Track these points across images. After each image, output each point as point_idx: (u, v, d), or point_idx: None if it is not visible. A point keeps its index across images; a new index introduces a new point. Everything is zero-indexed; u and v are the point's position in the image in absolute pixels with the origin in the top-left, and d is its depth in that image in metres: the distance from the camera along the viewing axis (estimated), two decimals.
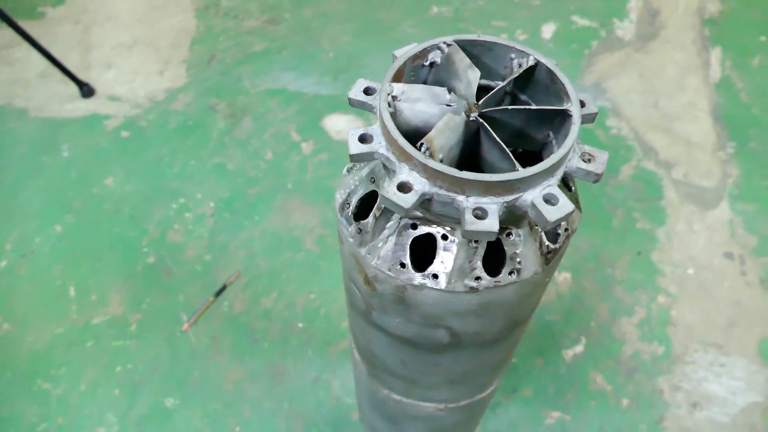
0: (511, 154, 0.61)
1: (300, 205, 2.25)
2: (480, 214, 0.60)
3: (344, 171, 0.79)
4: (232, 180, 2.31)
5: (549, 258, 0.72)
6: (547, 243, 0.71)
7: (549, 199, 0.60)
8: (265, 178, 2.32)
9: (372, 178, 0.72)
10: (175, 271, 2.08)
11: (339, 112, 2.52)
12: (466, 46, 0.71)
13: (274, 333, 1.96)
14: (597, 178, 0.64)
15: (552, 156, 0.60)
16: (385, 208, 0.68)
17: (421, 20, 2.90)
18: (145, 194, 2.28)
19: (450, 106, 0.66)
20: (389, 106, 0.65)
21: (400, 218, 0.68)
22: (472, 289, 0.69)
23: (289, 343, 1.94)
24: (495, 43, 0.70)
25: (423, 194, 0.60)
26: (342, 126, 2.47)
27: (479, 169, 0.68)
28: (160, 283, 2.06)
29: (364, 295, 0.79)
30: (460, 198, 0.60)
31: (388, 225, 0.69)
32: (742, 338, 1.96)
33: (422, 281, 0.69)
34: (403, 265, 0.70)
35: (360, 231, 0.72)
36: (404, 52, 0.71)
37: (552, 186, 0.61)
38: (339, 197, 0.76)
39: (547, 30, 2.84)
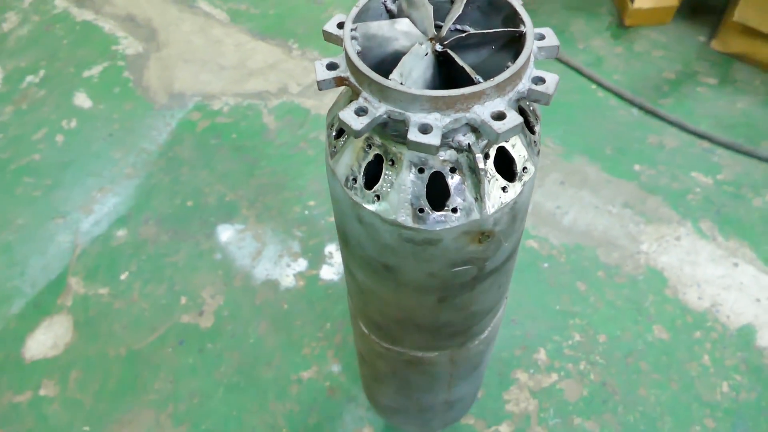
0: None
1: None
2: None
3: (403, 181, 0.74)
4: None
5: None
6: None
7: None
8: None
9: (419, 162, 0.71)
10: None
11: (29, 334, 2.00)
12: None
13: None
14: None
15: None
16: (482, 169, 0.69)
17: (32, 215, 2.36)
18: None
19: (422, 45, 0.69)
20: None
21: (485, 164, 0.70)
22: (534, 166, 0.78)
23: None
24: None
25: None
26: (50, 338, 1.98)
27: None
28: None
29: (478, 256, 0.79)
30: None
31: (486, 178, 0.70)
32: None
33: (521, 182, 0.75)
34: (505, 189, 0.73)
35: (457, 210, 0.72)
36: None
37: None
38: (403, 214, 0.72)
39: (82, 101, 2.64)
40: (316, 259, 2.16)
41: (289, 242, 2.20)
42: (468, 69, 0.65)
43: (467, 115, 0.63)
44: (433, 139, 0.62)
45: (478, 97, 0.62)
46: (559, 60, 2.72)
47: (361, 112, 0.65)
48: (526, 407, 1.88)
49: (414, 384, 1.21)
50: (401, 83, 0.65)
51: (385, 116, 0.65)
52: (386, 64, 0.72)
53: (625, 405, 1.88)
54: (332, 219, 2.25)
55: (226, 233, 2.23)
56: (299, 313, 2.04)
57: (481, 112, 0.63)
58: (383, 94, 0.64)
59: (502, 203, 0.73)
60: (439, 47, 0.70)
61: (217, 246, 2.19)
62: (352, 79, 0.67)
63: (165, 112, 2.59)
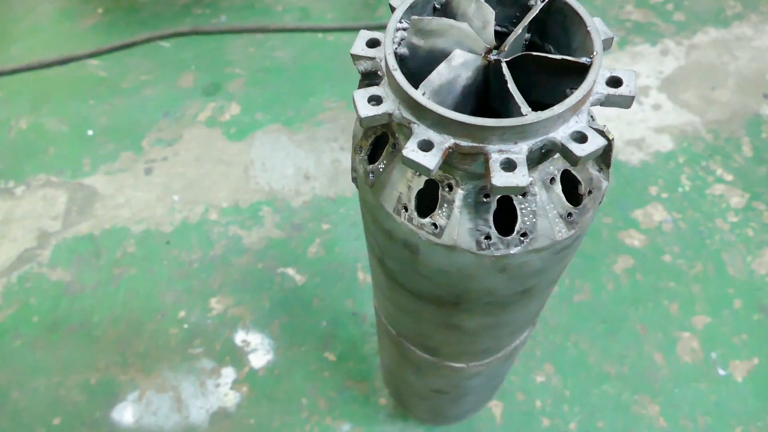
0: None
1: None
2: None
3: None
4: None
5: None
6: None
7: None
8: None
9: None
10: None
11: None
12: None
13: None
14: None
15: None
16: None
17: None
18: None
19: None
20: None
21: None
22: None
23: None
24: None
25: None
26: None
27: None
28: None
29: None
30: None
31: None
32: None
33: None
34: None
35: (591, 191, 0.68)
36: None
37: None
38: (559, 230, 0.66)
39: None
40: (237, 357, 1.90)
41: (196, 365, 1.89)
42: (571, 58, 0.59)
43: (589, 101, 0.59)
44: (599, 140, 0.56)
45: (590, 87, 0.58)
46: (281, 30, 2.64)
47: (508, 167, 0.56)
48: None
49: (502, 372, 1.18)
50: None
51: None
52: (460, 106, 0.62)
53: None
54: (217, 312, 1.98)
55: (126, 412, 1.82)
56: (269, 415, 1.81)
57: (601, 89, 0.59)
58: (524, 134, 0.55)
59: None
60: (493, 56, 0.62)
61: (130, 431, 1.79)
62: (467, 143, 0.56)
63: None
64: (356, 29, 2.65)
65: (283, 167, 2.29)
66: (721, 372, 1.89)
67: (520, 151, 0.56)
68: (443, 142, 0.57)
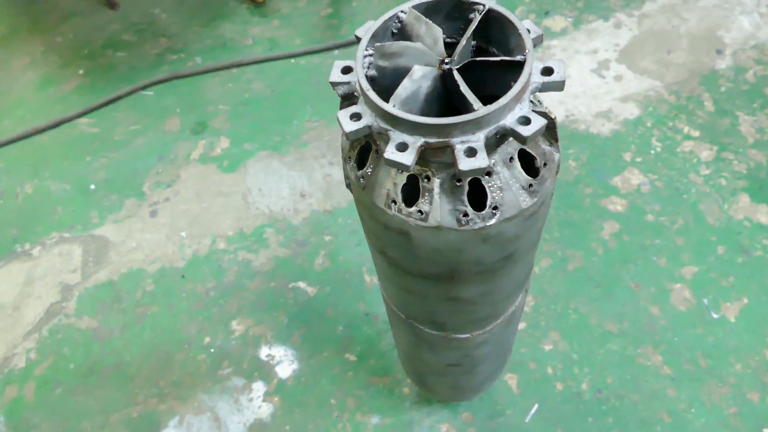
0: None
1: None
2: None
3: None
4: None
5: None
6: None
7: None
8: None
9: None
10: None
11: None
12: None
13: None
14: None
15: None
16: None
17: None
18: None
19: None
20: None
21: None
22: None
23: None
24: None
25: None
26: None
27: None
28: None
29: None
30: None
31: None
32: None
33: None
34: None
35: (532, 185, 0.81)
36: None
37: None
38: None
39: None
40: (264, 371, 2.02)
41: (228, 384, 2.01)
42: (508, 58, 0.72)
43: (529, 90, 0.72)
44: (540, 120, 0.70)
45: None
46: (254, 62, 2.78)
47: (470, 153, 0.69)
48: None
49: (506, 339, 1.31)
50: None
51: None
52: (426, 111, 0.76)
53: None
54: (239, 333, 2.10)
55: None
56: (302, 420, 1.93)
57: (537, 78, 0.73)
58: (479, 125, 0.69)
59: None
60: (446, 66, 0.76)
61: None
62: (435, 140, 0.70)
63: None
64: (324, 50, 2.79)
65: (278, 190, 2.42)
66: (715, 315, 2.02)
67: (478, 139, 0.70)
68: (416, 141, 0.70)
